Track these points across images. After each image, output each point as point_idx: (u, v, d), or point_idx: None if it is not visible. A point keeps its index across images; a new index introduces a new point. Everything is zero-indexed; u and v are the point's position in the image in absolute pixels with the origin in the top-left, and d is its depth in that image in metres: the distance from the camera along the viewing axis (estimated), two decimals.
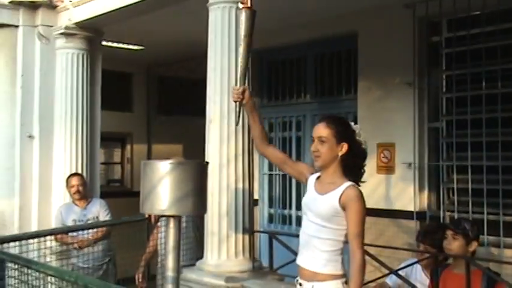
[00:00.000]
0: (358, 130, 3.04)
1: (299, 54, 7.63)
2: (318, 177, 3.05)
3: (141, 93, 10.42)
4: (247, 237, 4.55)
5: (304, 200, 3.06)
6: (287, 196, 7.63)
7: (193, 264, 4.81)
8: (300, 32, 7.12)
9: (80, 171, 6.42)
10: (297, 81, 7.70)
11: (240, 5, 3.20)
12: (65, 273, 3.38)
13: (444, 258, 3.92)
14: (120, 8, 5.89)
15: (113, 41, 8.02)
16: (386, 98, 6.44)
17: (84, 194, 6.07)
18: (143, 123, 10.45)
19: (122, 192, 9.95)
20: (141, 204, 3.24)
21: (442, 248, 3.79)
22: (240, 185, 4.53)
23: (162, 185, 3.16)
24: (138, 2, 5.72)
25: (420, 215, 6.07)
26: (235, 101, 3.15)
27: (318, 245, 2.93)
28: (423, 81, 6.20)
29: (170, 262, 3.07)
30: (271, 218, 7.87)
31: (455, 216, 5.71)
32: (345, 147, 2.93)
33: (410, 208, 6.07)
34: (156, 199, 3.16)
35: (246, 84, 3.23)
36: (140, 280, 5.38)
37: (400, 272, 4.08)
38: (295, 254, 4.85)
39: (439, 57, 6.07)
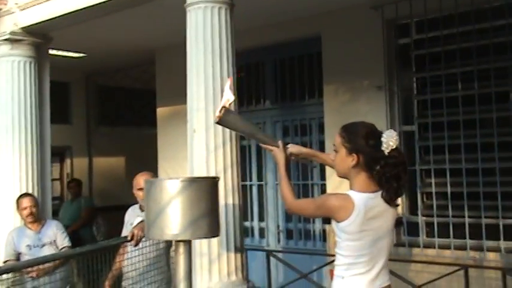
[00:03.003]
0: (386, 139, 2.71)
1: (257, 59, 7.34)
2: None
3: (80, 103, 9.81)
4: (239, 256, 4.21)
5: None
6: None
7: None
8: (258, 36, 6.82)
9: (30, 190, 5.83)
10: (255, 87, 7.40)
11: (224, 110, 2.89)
12: None
13: None
14: (73, 12, 5.39)
15: (53, 49, 7.43)
16: (355, 102, 6.25)
17: (37, 216, 5.51)
18: (83, 136, 9.85)
19: None
20: (147, 229, 2.87)
21: None
22: (230, 200, 4.17)
23: (172, 207, 2.79)
24: (93, 5, 5.28)
25: (396, 221, 5.91)
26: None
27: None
28: (393, 84, 6.06)
29: None
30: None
31: (434, 221, 5.61)
32: (355, 158, 2.63)
33: None
34: (166, 223, 2.80)
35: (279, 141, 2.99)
36: None
37: None
38: (299, 272, 4.59)
39: (409, 59, 5.96)
